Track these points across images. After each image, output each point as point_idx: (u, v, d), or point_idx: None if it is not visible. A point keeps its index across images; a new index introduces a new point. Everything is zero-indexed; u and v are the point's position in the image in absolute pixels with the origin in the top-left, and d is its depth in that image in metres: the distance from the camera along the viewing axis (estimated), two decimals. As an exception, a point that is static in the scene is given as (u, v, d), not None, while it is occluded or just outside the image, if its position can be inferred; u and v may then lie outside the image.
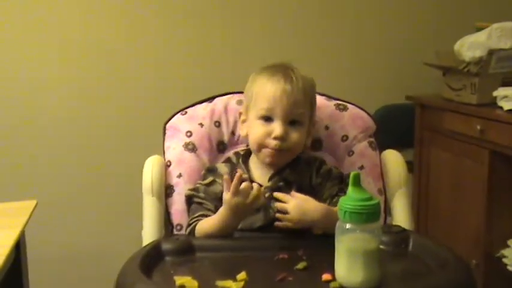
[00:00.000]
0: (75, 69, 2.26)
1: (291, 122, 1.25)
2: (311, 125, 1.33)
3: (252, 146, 1.29)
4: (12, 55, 2.21)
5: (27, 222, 1.37)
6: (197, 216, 1.25)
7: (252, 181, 1.27)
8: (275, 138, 1.24)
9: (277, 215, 1.17)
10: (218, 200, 1.26)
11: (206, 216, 1.24)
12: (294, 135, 1.25)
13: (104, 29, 2.26)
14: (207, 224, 1.21)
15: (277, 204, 1.18)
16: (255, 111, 1.27)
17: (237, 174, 1.14)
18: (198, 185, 1.30)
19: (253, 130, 1.27)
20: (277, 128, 1.24)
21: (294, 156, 1.30)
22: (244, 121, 1.33)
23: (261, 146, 1.26)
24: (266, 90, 1.26)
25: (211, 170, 1.32)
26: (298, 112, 1.25)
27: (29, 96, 2.24)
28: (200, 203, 1.27)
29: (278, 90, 1.24)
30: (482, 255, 2.04)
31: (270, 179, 1.28)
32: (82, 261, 2.34)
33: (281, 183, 1.26)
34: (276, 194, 1.20)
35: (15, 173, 2.24)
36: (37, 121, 2.25)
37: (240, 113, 1.36)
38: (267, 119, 1.26)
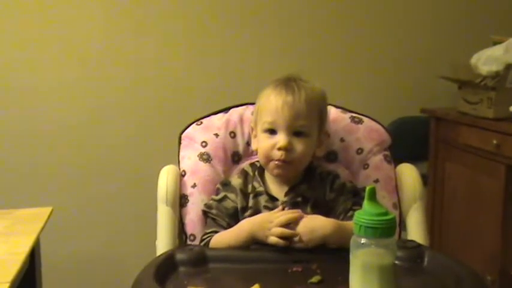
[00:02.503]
0: (90, 79, 2.28)
1: (295, 133, 1.25)
2: (322, 135, 1.33)
3: (261, 159, 1.30)
4: (29, 64, 2.23)
5: (42, 228, 1.38)
6: (210, 232, 1.26)
7: (268, 195, 1.28)
8: (279, 149, 1.24)
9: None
10: (230, 216, 1.27)
11: (218, 232, 1.25)
12: (299, 146, 1.25)
13: (120, 39, 2.28)
14: (222, 238, 1.22)
15: (283, 231, 1.15)
16: (260, 125, 1.29)
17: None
18: (211, 201, 1.31)
19: (260, 144, 1.28)
20: (281, 139, 1.24)
21: (303, 168, 1.30)
22: (255, 136, 1.34)
23: (268, 159, 1.26)
24: (269, 103, 1.27)
25: (225, 184, 1.33)
26: (301, 123, 1.25)
27: (45, 104, 2.26)
28: (214, 219, 1.29)
29: (279, 102, 1.25)
30: (497, 272, 2.02)
31: (286, 194, 1.28)
32: (96, 269, 2.35)
33: (299, 199, 1.25)
34: (281, 219, 1.17)
35: (32, 180, 2.26)
36: (53, 129, 2.27)
37: (252, 128, 1.36)
38: (272, 131, 1.26)
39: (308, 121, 1.26)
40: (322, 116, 1.33)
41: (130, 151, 2.33)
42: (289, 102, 1.25)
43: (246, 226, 1.20)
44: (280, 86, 1.28)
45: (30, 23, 2.21)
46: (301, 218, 1.17)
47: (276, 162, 1.25)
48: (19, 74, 2.23)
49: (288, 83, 1.29)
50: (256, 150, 1.33)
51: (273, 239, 1.15)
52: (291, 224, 1.17)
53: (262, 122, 1.27)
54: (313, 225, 1.16)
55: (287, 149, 1.24)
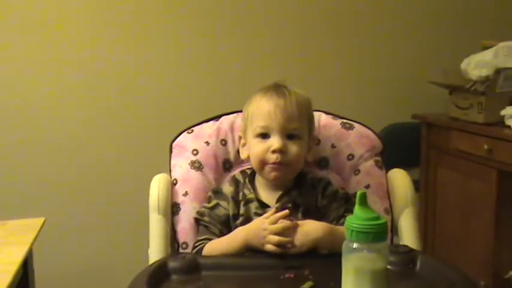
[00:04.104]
0: (81, 89, 2.28)
1: (288, 136, 1.26)
2: (311, 141, 1.33)
3: (254, 165, 1.29)
4: (25, 74, 2.24)
5: (35, 239, 1.37)
6: (202, 239, 1.26)
7: (258, 201, 1.28)
8: (274, 151, 1.24)
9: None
10: (222, 224, 1.27)
11: (210, 239, 1.25)
12: (293, 149, 1.25)
13: (111, 48, 2.29)
14: (216, 245, 1.22)
15: (280, 239, 1.15)
16: (252, 130, 1.28)
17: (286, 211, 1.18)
18: (203, 209, 1.31)
19: (253, 149, 1.28)
20: (275, 142, 1.24)
21: (297, 172, 1.30)
22: (244, 145, 1.33)
23: (263, 163, 1.26)
24: (260, 108, 1.27)
25: (216, 192, 1.33)
26: (294, 126, 1.26)
27: (37, 114, 2.26)
28: (206, 226, 1.29)
29: (272, 106, 1.25)
30: (491, 276, 2.02)
31: (277, 201, 1.28)
32: (89, 279, 2.33)
33: (289, 205, 1.25)
34: (277, 226, 1.17)
35: (24, 190, 2.25)
36: (46, 139, 2.27)
37: (240, 137, 1.36)
38: (264, 136, 1.26)
39: (300, 124, 1.27)
40: (311, 120, 1.34)
41: (122, 160, 2.33)
42: (282, 105, 1.25)
43: (240, 234, 1.20)
44: (270, 91, 1.28)
45: (28, 31, 2.22)
46: (295, 226, 1.17)
47: (272, 165, 1.25)
48: (11, 86, 2.23)
49: (278, 88, 1.29)
50: (246, 159, 1.33)
51: (269, 247, 1.15)
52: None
53: (254, 127, 1.27)
54: (306, 229, 1.16)
55: (282, 151, 1.24)
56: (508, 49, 2.09)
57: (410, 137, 2.47)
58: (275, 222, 1.17)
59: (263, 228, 1.17)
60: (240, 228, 1.22)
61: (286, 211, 1.19)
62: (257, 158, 1.27)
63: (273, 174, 1.26)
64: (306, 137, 1.29)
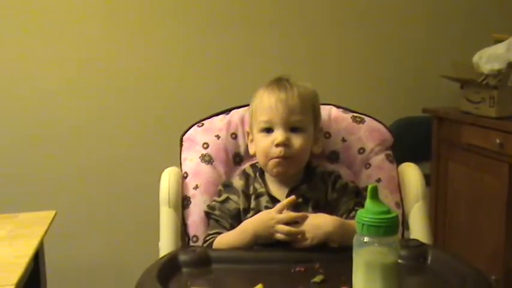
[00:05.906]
0: (91, 81, 2.29)
1: (292, 129, 1.26)
2: (317, 132, 1.33)
3: (260, 160, 1.30)
4: (35, 70, 2.24)
5: (46, 232, 1.38)
6: (213, 234, 1.26)
7: (269, 195, 1.28)
8: (277, 145, 1.24)
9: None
10: (232, 217, 1.27)
11: (221, 233, 1.25)
12: (297, 141, 1.25)
13: (120, 42, 2.29)
14: (226, 239, 1.22)
15: (290, 229, 1.16)
16: (256, 125, 1.29)
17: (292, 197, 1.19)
18: (213, 203, 1.31)
19: (258, 144, 1.28)
20: (278, 135, 1.24)
21: (302, 165, 1.30)
22: (252, 140, 1.34)
23: (267, 157, 1.26)
24: (263, 103, 1.27)
25: (226, 186, 1.33)
26: (297, 119, 1.25)
27: (46, 107, 2.27)
28: (216, 220, 1.29)
29: (273, 100, 1.26)
30: (502, 271, 2.01)
31: (287, 195, 1.27)
32: (100, 272, 2.35)
33: (299, 200, 1.24)
34: (284, 216, 1.18)
35: (35, 183, 2.27)
36: (57, 132, 2.28)
37: (248, 133, 1.36)
38: (268, 130, 1.26)
39: (303, 116, 1.26)
40: (316, 112, 1.33)
41: (133, 154, 2.34)
42: (283, 98, 1.25)
43: (249, 225, 1.20)
44: (272, 85, 1.29)
45: (31, 27, 2.22)
46: (304, 217, 1.17)
47: (276, 159, 1.25)
48: (20, 78, 2.24)
49: (280, 81, 1.30)
50: (254, 154, 1.33)
51: (279, 236, 1.16)
52: (295, 222, 1.17)
53: (258, 122, 1.28)
54: (317, 222, 1.17)
55: (285, 144, 1.24)
56: (520, 42, 2.07)
57: (421, 131, 2.46)
58: (281, 210, 1.17)
59: (270, 218, 1.17)
60: (247, 220, 1.23)
61: (293, 197, 1.19)
62: (262, 152, 1.27)
63: (275, 170, 1.26)
64: (310, 129, 1.29)
